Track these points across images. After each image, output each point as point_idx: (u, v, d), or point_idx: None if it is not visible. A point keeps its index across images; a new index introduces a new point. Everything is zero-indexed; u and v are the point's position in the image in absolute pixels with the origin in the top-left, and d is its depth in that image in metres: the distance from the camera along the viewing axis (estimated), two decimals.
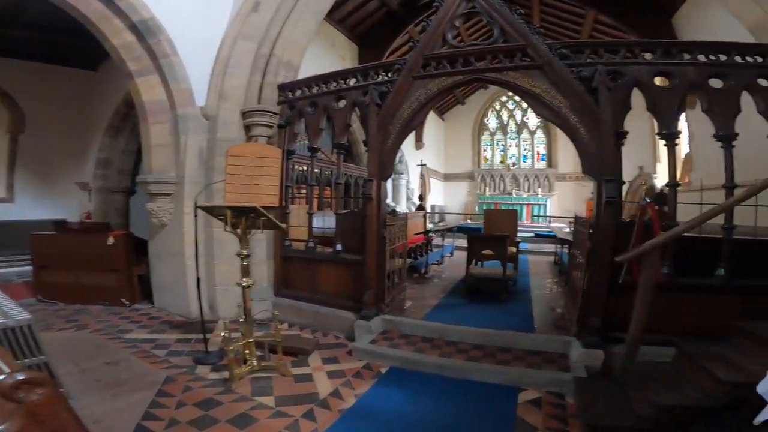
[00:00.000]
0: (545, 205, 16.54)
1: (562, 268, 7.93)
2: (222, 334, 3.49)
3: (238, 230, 3.57)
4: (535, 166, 18.42)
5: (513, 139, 18.93)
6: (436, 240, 10.19)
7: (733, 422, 2.44)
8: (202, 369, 3.78)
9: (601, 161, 3.97)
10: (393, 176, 12.70)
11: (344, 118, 5.17)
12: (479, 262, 6.44)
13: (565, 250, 8.77)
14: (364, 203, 4.88)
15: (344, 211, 5.54)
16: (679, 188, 4.41)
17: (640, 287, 3.26)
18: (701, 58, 3.91)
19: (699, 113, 6.93)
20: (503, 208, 16.65)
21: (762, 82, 3.83)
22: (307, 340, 4.55)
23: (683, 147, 9.47)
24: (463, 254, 10.92)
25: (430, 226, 15.43)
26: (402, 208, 12.62)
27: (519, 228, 8.02)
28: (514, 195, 17.36)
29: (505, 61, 4.34)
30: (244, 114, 5.50)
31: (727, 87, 3.90)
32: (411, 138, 14.66)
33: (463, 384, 3.56)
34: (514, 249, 6.43)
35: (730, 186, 3.82)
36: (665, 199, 4.55)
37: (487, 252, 5.83)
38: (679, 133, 3.98)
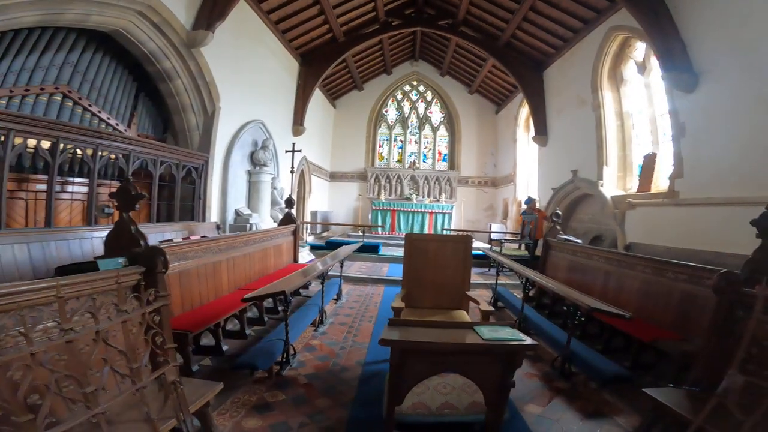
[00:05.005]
0: (450, 214, 13.78)
1: (522, 323, 4.63)
2: None
3: None
4: (436, 168, 15.74)
5: (413, 134, 15.98)
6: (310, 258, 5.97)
7: None
8: None
9: None
10: (251, 168, 8.32)
11: None
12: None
13: (502, 281, 5.59)
14: None
15: None
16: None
17: None
18: None
19: (698, 99, 5.19)
20: (406, 217, 13.57)
21: None
22: None
23: (651, 145, 7.16)
24: (362, 290, 6.81)
25: (309, 240, 11.37)
26: (264, 217, 8.30)
27: None
28: (415, 201, 14.30)
29: None
30: None
31: None
32: (283, 117, 10.44)
33: None
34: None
35: None
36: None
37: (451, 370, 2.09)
38: None
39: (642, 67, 7.32)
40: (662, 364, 3.48)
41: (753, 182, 4.50)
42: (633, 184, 7.52)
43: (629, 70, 7.78)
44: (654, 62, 6.65)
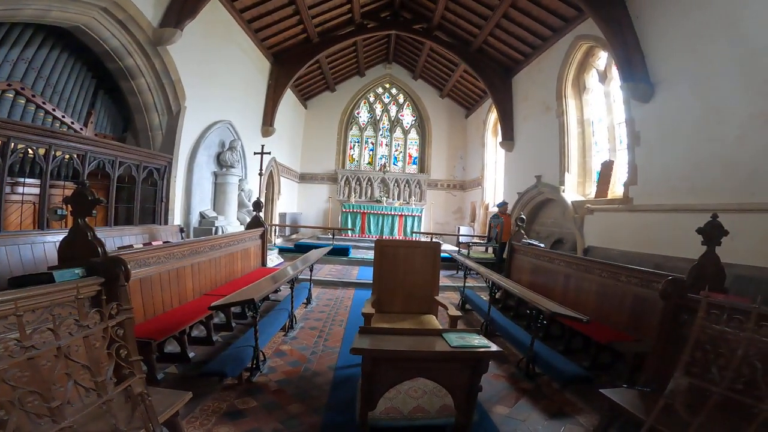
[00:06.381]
0: (420, 217, 13.94)
1: (489, 326, 4.77)
2: None
3: None
4: (407, 170, 15.87)
5: (384, 137, 16.06)
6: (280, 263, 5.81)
7: None
8: None
9: None
10: (217, 170, 8.13)
11: None
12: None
13: (470, 284, 5.85)
14: None
15: None
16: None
17: None
18: None
19: (653, 108, 5.42)
20: (375, 219, 13.60)
21: None
22: None
23: (609, 153, 7.53)
24: (332, 294, 6.76)
25: (277, 243, 11.21)
26: (231, 220, 8.13)
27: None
28: (385, 203, 14.38)
29: None
30: None
31: None
32: (253, 117, 10.24)
33: None
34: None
35: None
36: None
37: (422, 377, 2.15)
38: None
39: (603, 76, 7.68)
40: (618, 363, 3.69)
41: (700, 190, 4.83)
42: (592, 190, 7.89)
43: (591, 78, 8.15)
44: (614, 72, 6.98)
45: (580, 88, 8.34)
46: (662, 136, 5.56)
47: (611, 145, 7.41)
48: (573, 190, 8.08)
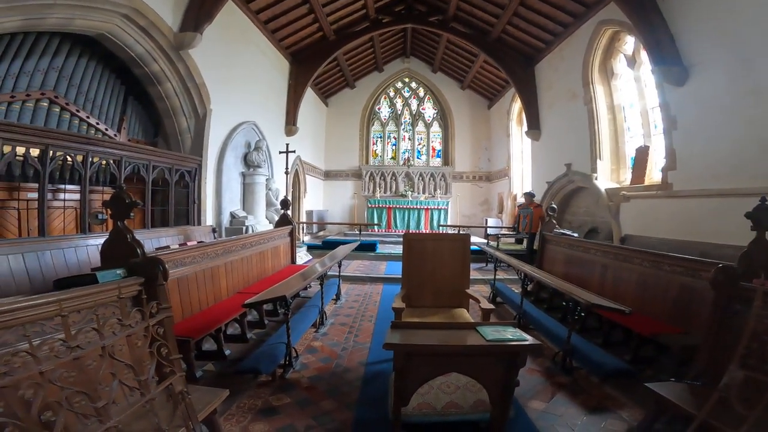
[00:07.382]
0: (446, 210, 13.79)
1: (522, 319, 4.66)
2: None
3: None
4: (430, 164, 15.73)
5: (407, 131, 15.96)
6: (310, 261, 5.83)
7: None
8: None
9: None
10: (245, 170, 8.28)
11: None
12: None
13: (500, 276, 5.66)
14: None
15: None
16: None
17: None
18: None
19: (689, 92, 5.27)
20: (401, 213, 13.54)
21: None
22: None
23: (643, 138, 7.21)
24: (361, 289, 6.78)
25: (305, 240, 11.35)
26: (260, 219, 8.27)
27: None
28: (410, 198, 14.32)
29: None
30: None
31: None
32: (276, 117, 10.38)
33: None
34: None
35: None
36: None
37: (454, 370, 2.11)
38: None
39: (632, 61, 7.35)
40: (662, 357, 3.53)
41: (745, 174, 4.55)
42: (626, 177, 7.58)
43: (619, 63, 7.81)
44: (644, 56, 6.68)
45: (607, 73, 8.01)
46: (701, 120, 5.26)
47: (645, 130, 7.08)
48: (606, 178, 7.79)
